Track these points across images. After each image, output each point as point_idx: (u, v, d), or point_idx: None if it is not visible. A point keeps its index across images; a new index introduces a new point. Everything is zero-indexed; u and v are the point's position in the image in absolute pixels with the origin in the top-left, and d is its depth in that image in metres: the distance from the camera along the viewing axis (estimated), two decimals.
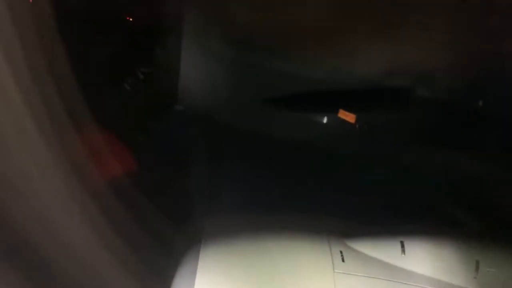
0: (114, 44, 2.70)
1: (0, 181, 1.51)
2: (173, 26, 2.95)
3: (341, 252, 1.81)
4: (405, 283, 1.75)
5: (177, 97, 3.00)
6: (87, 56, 2.43)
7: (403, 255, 1.84)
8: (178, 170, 2.43)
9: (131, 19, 2.93)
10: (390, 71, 2.58)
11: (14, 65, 1.52)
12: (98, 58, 2.52)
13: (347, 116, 2.45)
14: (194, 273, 1.63)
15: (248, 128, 2.72)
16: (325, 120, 2.67)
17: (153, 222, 1.98)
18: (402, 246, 1.85)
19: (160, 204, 2.07)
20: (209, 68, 2.91)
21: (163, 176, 2.35)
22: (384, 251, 1.86)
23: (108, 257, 1.65)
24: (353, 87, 2.56)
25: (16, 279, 1.51)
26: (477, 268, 1.80)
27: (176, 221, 2.00)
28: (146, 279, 1.72)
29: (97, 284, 1.54)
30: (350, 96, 2.55)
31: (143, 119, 2.75)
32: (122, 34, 2.82)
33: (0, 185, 1.50)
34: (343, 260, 1.78)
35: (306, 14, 2.63)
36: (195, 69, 2.95)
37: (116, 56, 2.69)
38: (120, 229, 1.77)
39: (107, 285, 1.60)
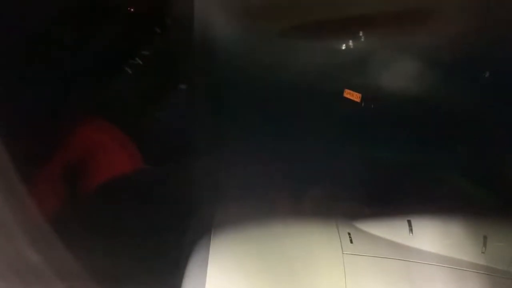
0: (111, 30, 2.65)
1: None
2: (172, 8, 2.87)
3: (349, 233, 1.83)
4: (414, 262, 1.77)
5: (180, 78, 2.95)
6: (83, 44, 2.39)
7: (410, 234, 1.86)
8: (183, 158, 2.43)
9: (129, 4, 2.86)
10: (389, 43, 2.50)
11: None
12: (96, 45, 2.47)
13: (353, 95, 2.41)
14: (205, 262, 1.66)
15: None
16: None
17: (162, 214, 2.00)
18: (410, 225, 1.87)
19: (168, 195, 2.08)
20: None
21: (168, 166, 2.34)
22: (391, 231, 1.88)
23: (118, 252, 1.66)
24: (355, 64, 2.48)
25: None
26: (485, 243, 1.82)
27: (185, 211, 2.01)
28: (158, 272, 1.75)
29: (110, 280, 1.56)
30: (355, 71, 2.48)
31: (146, 106, 2.73)
32: (119, 18, 2.76)
33: None
34: (351, 242, 1.80)
35: None
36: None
37: (114, 42, 2.64)
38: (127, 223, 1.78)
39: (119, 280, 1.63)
